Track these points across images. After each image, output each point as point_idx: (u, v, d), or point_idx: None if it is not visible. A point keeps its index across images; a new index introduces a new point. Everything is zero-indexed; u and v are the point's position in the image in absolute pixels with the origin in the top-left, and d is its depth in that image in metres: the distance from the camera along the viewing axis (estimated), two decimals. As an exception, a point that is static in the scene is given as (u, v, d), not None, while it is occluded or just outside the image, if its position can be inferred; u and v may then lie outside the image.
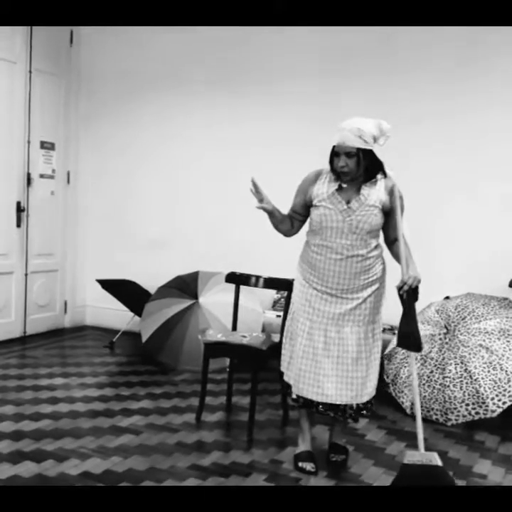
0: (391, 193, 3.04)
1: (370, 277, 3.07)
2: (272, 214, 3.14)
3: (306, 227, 3.25)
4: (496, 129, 4.53)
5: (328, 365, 3.05)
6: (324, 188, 3.05)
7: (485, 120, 4.56)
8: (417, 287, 2.93)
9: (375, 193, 3.01)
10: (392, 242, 3.13)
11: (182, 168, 5.75)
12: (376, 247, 3.10)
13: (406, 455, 2.86)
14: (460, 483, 3.11)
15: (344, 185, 3.02)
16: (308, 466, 3.17)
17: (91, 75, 6.09)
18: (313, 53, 5.10)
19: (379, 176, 3.04)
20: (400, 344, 2.99)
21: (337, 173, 3.02)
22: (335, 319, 3.06)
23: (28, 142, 5.61)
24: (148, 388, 4.41)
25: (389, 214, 3.07)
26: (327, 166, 3.09)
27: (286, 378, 3.24)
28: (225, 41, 5.44)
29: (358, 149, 2.91)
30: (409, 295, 2.91)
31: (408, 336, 2.91)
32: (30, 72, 5.56)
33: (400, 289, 2.92)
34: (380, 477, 3.12)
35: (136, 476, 3.02)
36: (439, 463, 2.81)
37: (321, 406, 3.11)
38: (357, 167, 2.95)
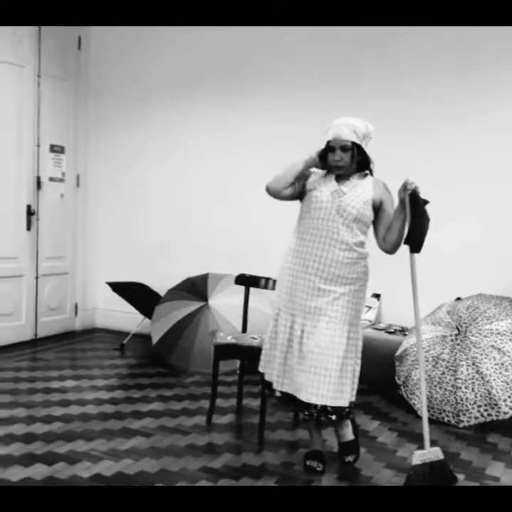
0: (383, 189, 3.11)
1: (351, 273, 3.05)
2: (307, 165, 3.10)
3: (292, 224, 3.24)
4: (498, 133, 4.50)
5: (298, 359, 3.04)
6: (321, 178, 3.14)
7: (487, 123, 4.53)
8: (417, 193, 2.96)
9: (364, 184, 3.09)
10: (384, 237, 3.12)
11: (191, 171, 5.76)
12: (363, 244, 3.10)
13: (415, 455, 2.95)
14: (473, 485, 3.09)
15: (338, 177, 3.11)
16: (314, 464, 3.18)
17: (99, 79, 6.11)
18: (315, 59, 5.10)
19: (367, 172, 3.14)
20: (405, 242, 3.03)
21: (330, 169, 3.10)
22: (311, 313, 3.04)
23: (38, 146, 5.63)
24: (158, 390, 4.41)
25: (380, 212, 3.11)
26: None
27: (267, 377, 3.23)
28: (233, 47, 5.44)
29: (353, 144, 3.02)
30: (413, 199, 2.97)
31: (415, 237, 2.99)
32: (38, 76, 5.58)
33: (403, 190, 2.96)
34: (392, 479, 3.11)
35: (147, 479, 3.02)
36: (442, 456, 3.00)
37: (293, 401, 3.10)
38: (351, 162, 3.05)
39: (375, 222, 3.14)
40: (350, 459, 3.27)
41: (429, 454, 2.99)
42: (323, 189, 3.08)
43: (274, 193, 3.14)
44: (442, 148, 4.70)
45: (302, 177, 3.16)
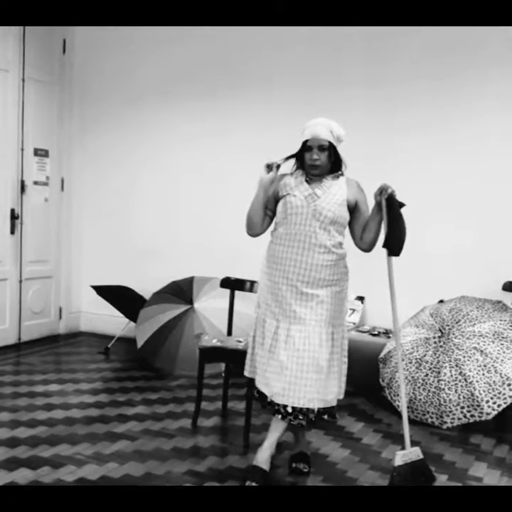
0: (357, 188, 3.13)
1: (331, 275, 3.05)
2: (265, 189, 3.11)
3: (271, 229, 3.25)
4: (490, 136, 4.56)
5: (288, 364, 2.98)
6: (292, 180, 3.13)
7: (481, 127, 4.58)
8: (393, 197, 2.99)
9: (337, 185, 3.10)
10: (360, 236, 3.16)
11: (176, 175, 5.76)
12: (341, 245, 3.11)
13: (397, 456, 2.99)
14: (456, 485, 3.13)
15: (311, 178, 3.10)
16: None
17: (84, 83, 6.09)
18: (305, 63, 5.12)
19: (340, 173, 3.15)
20: (384, 245, 3.06)
21: (306, 169, 3.10)
22: (296, 318, 3.02)
23: (22, 149, 5.60)
24: (143, 394, 4.40)
25: (355, 212, 3.13)
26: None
27: (258, 384, 3.15)
28: (222, 50, 5.45)
29: (330, 144, 3.03)
30: (390, 203, 2.99)
31: (394, 241, 3.02)
32: (23, 80, 5.56)
33: (380, 194, 2.99)
34: (376, 481, 3.13)
35: (132, 482, 3.01)
36: (422, 455, 3.08)
37: (287, 407, 3.01)
38: (327, 162, 3.06)
39: (351, 222, 3.16)
40: (305, 469, 3.21)
41: (410, 454, 3.04)
42: (297, 194, 3.08)
43: (255, 235, 3.23)
44: (426, 150, 4.74)
45: (269, 199, 3.17)
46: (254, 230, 3.22)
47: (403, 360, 4.12)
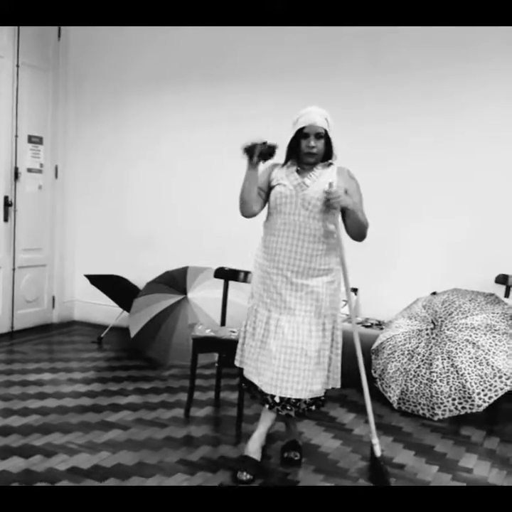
0: (347, 176, 3.11)
1: (322, 265, 3.05)
2: (255, 169, 3.04)
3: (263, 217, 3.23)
4: (483, 129, 4.55)
5: (275, 353, 2.99)
6: (283, 171, 3.13)
7: (472, 120, 4.58)
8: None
9: (328, 174, 3.08)
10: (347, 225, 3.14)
11: (171, 165, 5.74)
12: (332, 234, 3.08)
13: (375, 446, 3.05)
14: (446, 476, 3.15)
15: (303, 168, 3.09)
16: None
17: (79, 70, 6.05)
18: (300, 55, 5.10)
19: (330, 162, 3.13)
20: None
21: (301, 157, 3.07)
22: (286, 308, 3.03)
23: (16, 136, 5.57)
24: (136, 383, 4.41)
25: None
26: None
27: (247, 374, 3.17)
28: (217, 41, 5.41)
29: (326, 131, 3.03)
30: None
31: None
32: (17, 66, 5.51)
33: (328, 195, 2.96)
34: (368, 472, 3.15)
35: (124, 471, 3.02)
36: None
37: (275, 398, 3.02)
38: (323, 149, 3.06)
39: (342, 210, 3.10)
40: (296, 457, 3.24)
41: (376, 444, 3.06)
42: (286, 183, 3.08)
43: (250, 215, 3.16)
44: (420, 143, 4.74)
45: (262, 183, 3.14)
46: (247, 207, 3.11)
47: (395, 351, 4.14)
